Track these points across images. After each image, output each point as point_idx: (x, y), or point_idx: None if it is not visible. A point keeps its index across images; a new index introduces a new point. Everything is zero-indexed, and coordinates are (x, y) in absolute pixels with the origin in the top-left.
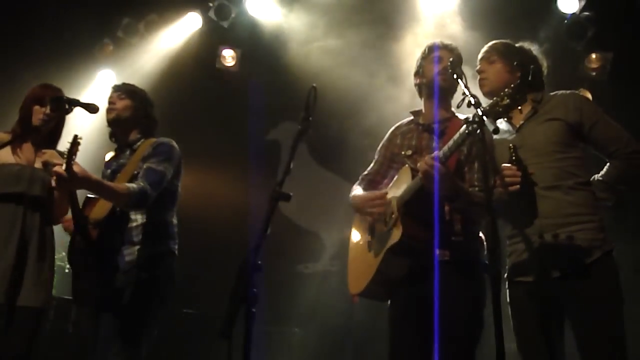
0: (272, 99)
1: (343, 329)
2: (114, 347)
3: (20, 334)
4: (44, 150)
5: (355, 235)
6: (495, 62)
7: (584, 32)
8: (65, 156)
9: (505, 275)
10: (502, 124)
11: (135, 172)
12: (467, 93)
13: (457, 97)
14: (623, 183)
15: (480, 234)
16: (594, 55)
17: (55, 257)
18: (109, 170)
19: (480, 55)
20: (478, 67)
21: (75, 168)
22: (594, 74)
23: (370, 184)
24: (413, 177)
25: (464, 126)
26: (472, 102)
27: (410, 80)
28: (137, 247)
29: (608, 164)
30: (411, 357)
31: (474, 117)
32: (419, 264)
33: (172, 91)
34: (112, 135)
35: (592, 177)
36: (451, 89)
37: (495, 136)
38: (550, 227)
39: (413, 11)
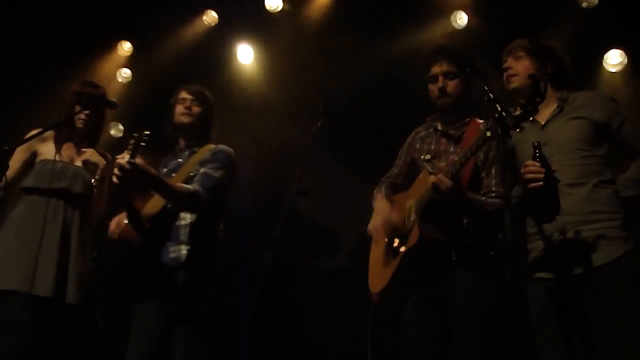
0: (290, 94)
1: (360, 325)
2: (151, 343)
3: (60, 331)
4: (84, 149)
5: None
6: (522, 58)
7: (603, 27)
8: (130, 149)
9: (526, 272)
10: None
11: (192, 173)
12: (486, 89)
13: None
14: None
15: (489, 235)
16: (613, 50)
17: None
18: (165, 169)
19: (506, 51)
20: (505, 64)
21: (137, 160)
22: (612, 69)
23: (392, 186)
24: None
25: (475, 139)
26: (492, 98)
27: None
28: (182, 245)
29: (634, 162)
30: (429, 354)
31: (493, 113)
32: (436, 266)
33: None
34: (177, 135)
35: (619, 176)
36: (456, 102)
37: (518, 132)
38: (572, 224)
39: (428, 3)
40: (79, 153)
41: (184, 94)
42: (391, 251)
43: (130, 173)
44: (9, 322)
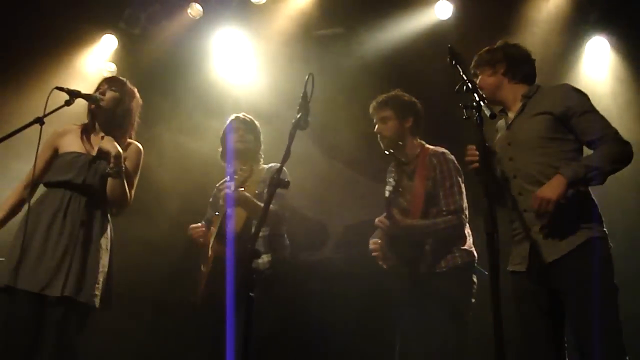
0: (275, 87)
1: (348, 316)
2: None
3: (54, 326)
4: (103, 136)
5: None
6: (479, 74)
7: (587, 14)
8: (238, 180)
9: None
10: (502, 120)
11: (257, 191)
12: (464, 78)
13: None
14: (614, 162)
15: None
16: (594, 38)
17: None
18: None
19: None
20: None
21: (242, 191)
22: (594, 57)
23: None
24: None
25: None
26: (470, 87)
27: (416, 65)
28: (262, 254)
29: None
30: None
31: (471, 102)
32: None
33: (173, 81)
34: (233, 159)
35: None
36: (395, 140)
37: (499, 134)
38: (535, 219)
39: None
40: (100, 142)
41: (235, 124)
42: None
43: (237, 200)
44: (9, 317)
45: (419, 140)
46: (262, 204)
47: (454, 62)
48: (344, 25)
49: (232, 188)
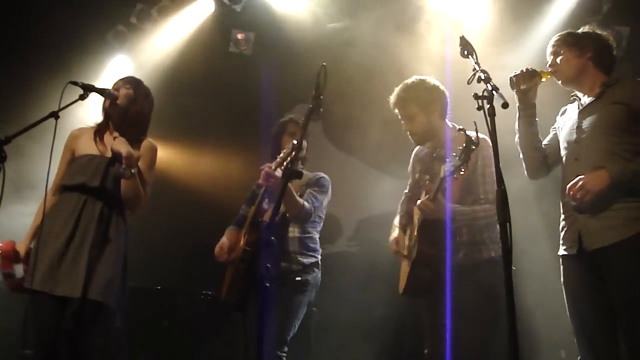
0: (286, 82)
1: (359, 308)
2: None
3: (71, 327)
4: (116, 137)
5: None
6: (562, 53)
7: (599, 6)
8: (278, 162)
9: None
10: (574, 104)
11: (298, 193)
12: (477, 68)
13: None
14: None
15: (485, 236)
16: (609, 31)
17: None
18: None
19: (547, 52)
20: (548, 64)
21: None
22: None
23: (410, 201)
24: None
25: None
26: (482, 77)
27: (430, 61)
28: (292, 255)
29: None
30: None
31: (483, 91)
32: (436, 272)
33: (185, 76)
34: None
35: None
36: (425, 135)
37: (562, 117)
38: (589, 204)
39: None
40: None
41: (291, 128)
42: (408, 259)
43: (275, 182)
44: (33, 319)
45: (449, 123)
46: (293, 192)
47: (465, 52)
48: (358, 17)
49: (273, 167)
